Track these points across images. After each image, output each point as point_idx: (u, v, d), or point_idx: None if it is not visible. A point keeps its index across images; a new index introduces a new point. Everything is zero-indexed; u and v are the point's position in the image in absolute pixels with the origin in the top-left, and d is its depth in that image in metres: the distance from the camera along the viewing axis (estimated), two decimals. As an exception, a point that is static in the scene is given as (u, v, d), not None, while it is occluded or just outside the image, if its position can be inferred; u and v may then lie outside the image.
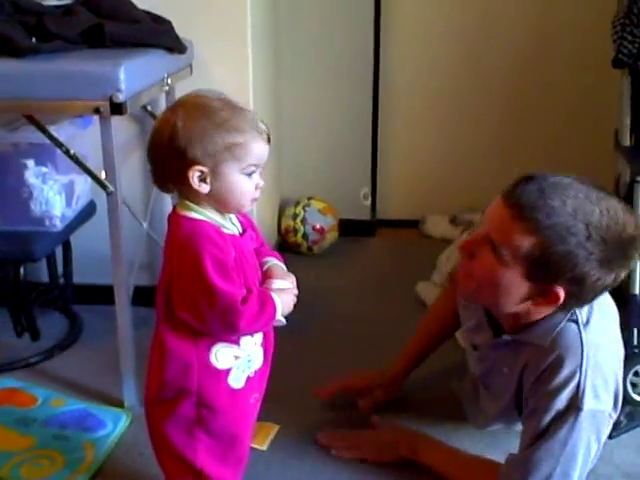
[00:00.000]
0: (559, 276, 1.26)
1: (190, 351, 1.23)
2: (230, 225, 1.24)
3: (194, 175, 1.16)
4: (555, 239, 1.22)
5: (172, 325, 1.23)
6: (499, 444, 1.63)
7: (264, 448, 1.65)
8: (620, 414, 1.69)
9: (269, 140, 1.21)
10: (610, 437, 1.66)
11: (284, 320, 1.26)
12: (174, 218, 1.22)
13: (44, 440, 1.67)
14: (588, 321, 1.36)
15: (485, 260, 1.31)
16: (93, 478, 1.56)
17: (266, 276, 1.29)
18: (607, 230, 1.23)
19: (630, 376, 1.78)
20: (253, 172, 1.19)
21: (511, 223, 1.25)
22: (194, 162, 1.15)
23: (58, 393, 1.85)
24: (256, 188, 1.21)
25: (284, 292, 1.26)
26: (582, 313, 1.35)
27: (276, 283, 1.27)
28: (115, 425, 1.72)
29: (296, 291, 1.30)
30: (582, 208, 1.23)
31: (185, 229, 1.19)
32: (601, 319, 1.37)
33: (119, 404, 1.78)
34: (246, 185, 1.19)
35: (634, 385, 1.79)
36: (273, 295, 1.23)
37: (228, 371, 1.26)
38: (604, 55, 2.01)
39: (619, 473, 1.59)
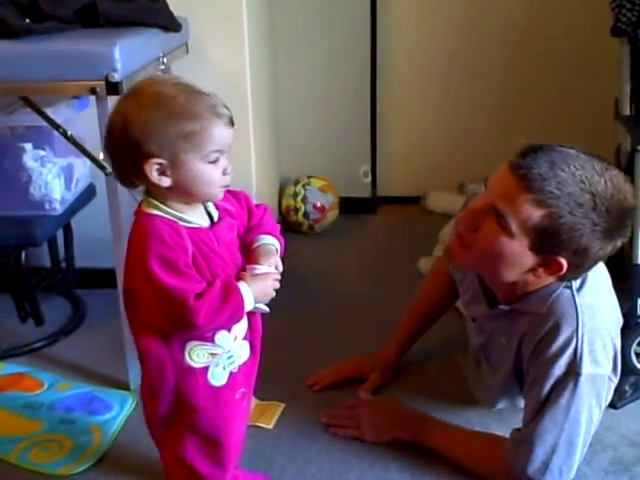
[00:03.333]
0: (565, 247, 1.26)
1: (162, 350, 1.19)
2: (194, 217, 1.17)
3: (152, 169, 1.10)
4: (564, 210, 1.22)
5: (141, 324, 1.20)
6: (506, 418, 1.64)
7: (270, 427, 1.66)
8: (625, 384, 1.71)
9: (232, 123, 1.13)
10: (615, 407, 1.67)
11: (266, 308, 1.22)
12: (136, 214, 1.18)
13: (51, 424, 1.67)
14: (581, 286, 1.36)
15: (489, 231, 1.29)
16: (101, 460, 1.57)
17: (250, 260, 1.23)
18: (611, 200, 1.24)
19: (634, 346, 1.78)
20: (217, 159, 1.13)
21: (521, 194, 1.24)
22: (150, 155, 1.10)
23: (64, 377, 1.85)
24: (224, 174, 1.14)
25: (260, 278, 1.19)
26: (576, 280, 1.35)
27: (255, 269, 1.20)
28: (121, 408, 1.72)
29: (278, 275, 1.22)
30: (589, 179, 1.23)
31: (137, 227, 1.15)
32: (594, 284, 1.38)
33: (125, 386, 1.78)
34: (211, 173, 1.13)
35: (638, 355, 1.79)
36: (241, 285, 1.16)
37: (206, 369, 1.22)
38: (604, 23, 1.99)
39: (625, 442, 1.59)
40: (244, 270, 1.21)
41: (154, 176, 1.11)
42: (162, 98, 1.10)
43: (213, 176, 1.14)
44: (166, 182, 1.12)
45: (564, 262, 1.28)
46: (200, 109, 1.10)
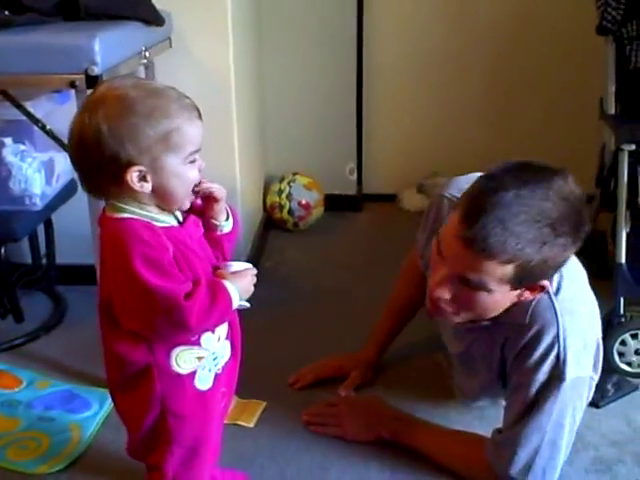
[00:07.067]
0: (544, 275, 1.27)
1: (147, 358, 1.17)
2: (165, 217, 1.15)
3: (132, 176, 1.08)
4: (532, 255, 1.20)
5: (121, 334, 1.16)
6: (487, 416, 1.64)
7: (251, 425, 1.65)
8: (607, 383, 1.71)
9: (200, 114, 1.12)
10: (598, 406, 1.68)
11: (247, 303, 1.20)
12: (103, 222, 1.15)
13: (30, 422, 1.65)
14: (559, 289, 1.36)
15: (467, 294, 1.28)
16: (79, 458, 1.55)
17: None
18: (568, 215, 1.21)
19: (617, 345, 1.79)
20: (195, 158, 1.13)
21: (487, 262, 1.21)
22: (130, 163, 1.07)
23: (43, 375, 1.84)
24: (199, 171, 1.14)
25: (240, 275, 1.18)
26: (552, 282, 1.34)
27: (233, 266, 1.19)
28: (100, 406, 1.70)
29: (254, 270, 1.21)
30: (541, 213, 1.19)
31: (112, 232, 1.11)
32: (571, 284, 1.37)
33: (104, 384, 1.74)
34: (191, 174, 1.12)
35: (621, 354, 1.80)
36: (226, 283, 1.15)
37: (193, 374, 1.20)
38: (590, 24, 1.99)
39: (606, 442, 1.59)
40: (217, 267, 1.20)
41: (135, 183, 1.09)
42: (130, 102, 1.07)
43: (192, 177, 1.13)
44: (147, 188, 1.10)
45: (547, 283, 1.29)
46: (171, 107, 1.09)
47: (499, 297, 1.28)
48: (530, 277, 1.25)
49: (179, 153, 1.10)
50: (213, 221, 1.23)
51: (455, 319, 1.36)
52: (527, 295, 1.31)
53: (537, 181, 1.22)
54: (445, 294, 1.29)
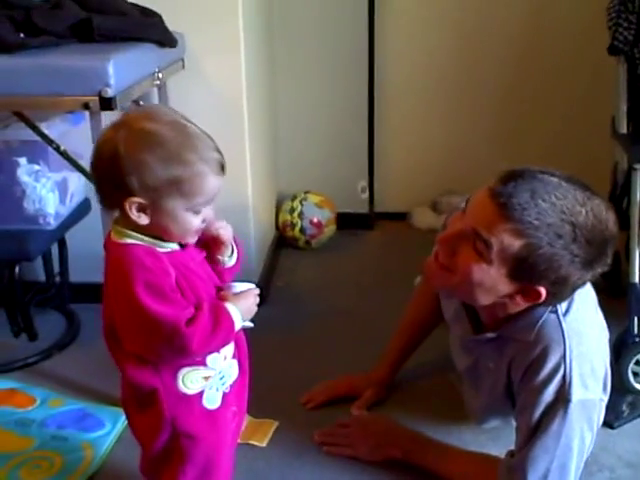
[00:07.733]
0: (543, 277, 1.25)
1: (154, 379, 1.18)
2: (167, 242, 1.15)
3: (131, 206, 1.09)
4: (543, 241, 1.20)
5: (128, 356, 1.17)
6: (501, 437, 1.62)
7: (264, 445, 1.64)
8: (622, 403, 1.70)
9: (223, 170, 1.12)
10: (612, 427, 1.66)
11: (250, 324, 1.21)
12: (107, 246, 1.16)
13: (43, 441, 1.66)
14: (568, 310, 1.35)
15: (467, 256, 1.28)
16: (92, 478, 1.55)
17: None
18: (592, 231, 1.22)
19: (632, 365, 1.77)
20: (200, 210, 1.13)
21: (500, 222, 1.22)
22: (131, 193, 1.08)
23: (56, 393, 1.84)
24: (203, 222, 1.15)
25: (243, 296, 1.19)
26: (562, 303, 1.34)
27: (235, 287, 1.20)
28: (113, 425, 1.70)
29: (257, 290, 1.22)
30: (570, 209, 1.21)
31: (115, 257, 1.13)
32: (580, 307, 1.36)
33: (117, 403, 1.74)
34: (192, 222, 1.13)
35: (635, 374, 1.78)
36: (228, 306, 1.15)
37: (200, 394, 1.20)
38: (601, 43, 1.99)
39: (622, 463, 1.57)
40: (221, 289, 1.20)
41: (133, 213, 1.10)
42: (156, 139, 1.08)
43: (191, 225, 1.14)
44: (144, 220, 1.11)
45: (543, 291, 1.27)
46: (192, 158, 1.08)
47: (493, 276, 1.26)
48: (530, 271, 1.23)
49: (185, 201, 1.10)
50: (218, 257, 1.23)
51: (443, 281, 1.36)
52: (519, 299, 1.30)
53: (583, 189, 1.25)
54: (447, 248, 1.31)
